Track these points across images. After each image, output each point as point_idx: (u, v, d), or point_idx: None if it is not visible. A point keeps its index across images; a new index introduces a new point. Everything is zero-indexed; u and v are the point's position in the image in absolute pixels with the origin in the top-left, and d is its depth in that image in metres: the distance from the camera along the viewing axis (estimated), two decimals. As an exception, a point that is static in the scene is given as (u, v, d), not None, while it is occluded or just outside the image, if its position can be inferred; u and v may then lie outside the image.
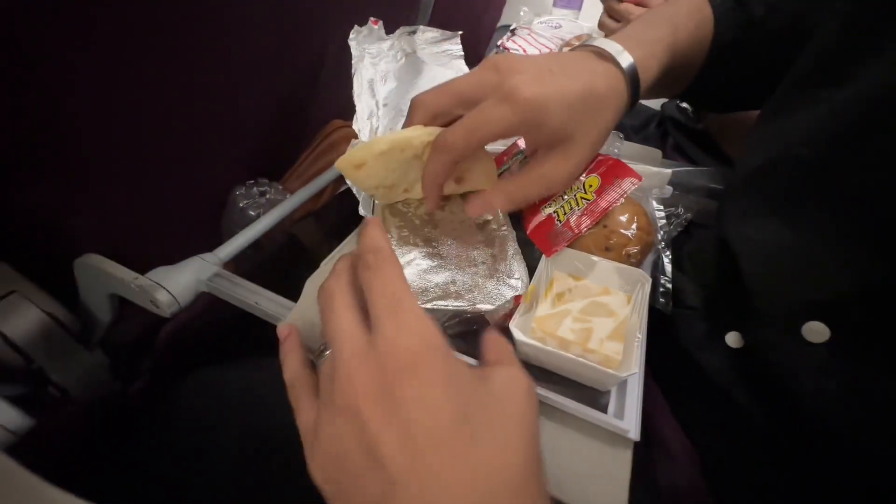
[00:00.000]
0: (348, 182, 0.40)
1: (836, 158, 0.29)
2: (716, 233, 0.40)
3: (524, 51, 0.86)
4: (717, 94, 0.47)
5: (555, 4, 1.15)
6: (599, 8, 1.19)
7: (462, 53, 0.50)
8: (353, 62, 0.42)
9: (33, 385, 0.46)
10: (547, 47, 0.88)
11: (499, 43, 0.89)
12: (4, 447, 0.32)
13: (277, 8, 0.52)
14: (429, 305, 0.31)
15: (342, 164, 0.32)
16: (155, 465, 0.39)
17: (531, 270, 0.34)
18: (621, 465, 0.27)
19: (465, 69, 0.49)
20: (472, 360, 0.29)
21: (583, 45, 0.34)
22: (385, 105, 0.42)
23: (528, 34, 0.94)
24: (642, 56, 0.33)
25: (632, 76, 0.32)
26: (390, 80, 0.43)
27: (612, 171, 0.34)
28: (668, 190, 0.45)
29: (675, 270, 0.41)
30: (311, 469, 0.21)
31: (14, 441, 0.33)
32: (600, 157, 0.35)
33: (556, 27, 1.03)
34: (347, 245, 0.41)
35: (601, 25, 0.76)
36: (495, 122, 0.28)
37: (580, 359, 0.28)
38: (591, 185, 0.34)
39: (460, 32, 0.47)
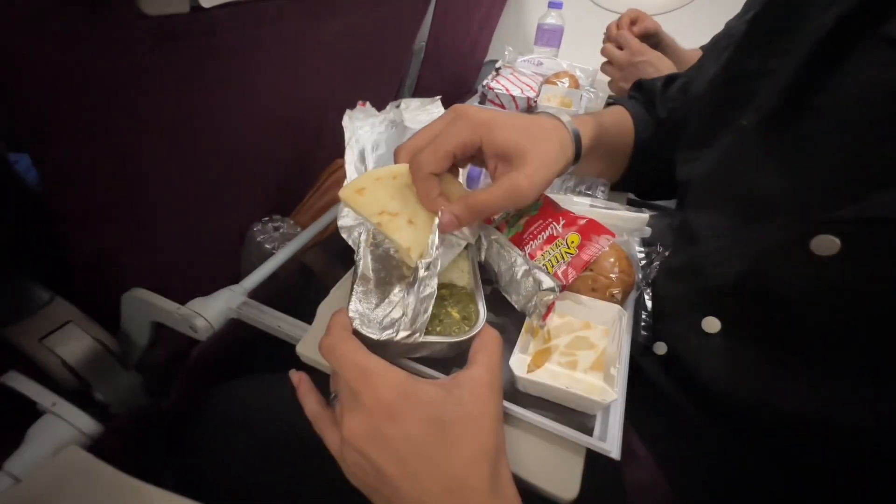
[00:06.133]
0: (344, 214, 0.43)
1: (703, 196, 0.43)
2: None
3: (507, 90, 0.94)
4: (648, 181, 0.60)
5: (536, 43, 1.24)
6: (577, 46, 1.29)
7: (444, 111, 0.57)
8: (345, 141, 0.47)
9: (80, 402, 0.53)
10: (529, 85, 0.97)
11: (484, 82, 0.97)
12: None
13: (287, 79, 0.60)
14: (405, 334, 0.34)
15: (345, 191, 0.37)
16: (191, 466, 0.46)
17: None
18: (577, 464, 0.33)
19: None
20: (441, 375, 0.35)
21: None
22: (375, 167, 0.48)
23: (511, 73, 1.02)
24: (577, 122, 0.43)
25: (573, 131, 0.41)
26: (380, 147, 0.49)
27: (589, 229, 0.41)
28: (648, 231, 0.51)
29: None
30: (346, 475, 0.30)
31: (89, 444, 0.39)
32: (576, 216, 0.42)
33: (537, 64, 1.12)
34: (347, 279, 0.46)
35: (604, 52, 0.91)
36: (454, 134, 0.36)
37: (568, 388, 0.34)
38: (573, 241, 0.41)
39: (439, 97, 0.53)
